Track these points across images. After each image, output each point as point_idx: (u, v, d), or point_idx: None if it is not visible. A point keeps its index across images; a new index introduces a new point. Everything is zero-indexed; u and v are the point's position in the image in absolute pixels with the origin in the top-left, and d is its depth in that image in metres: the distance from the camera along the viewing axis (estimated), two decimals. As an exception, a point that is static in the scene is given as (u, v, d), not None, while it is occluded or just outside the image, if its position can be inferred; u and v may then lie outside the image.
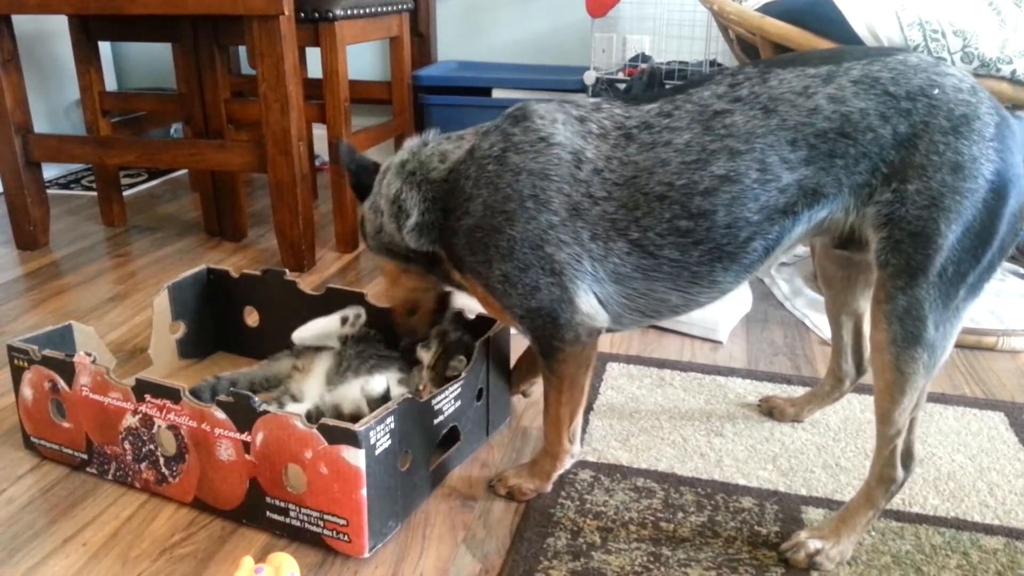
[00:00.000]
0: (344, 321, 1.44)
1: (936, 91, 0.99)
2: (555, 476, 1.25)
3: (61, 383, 1.27)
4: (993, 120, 0.99)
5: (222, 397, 1.14)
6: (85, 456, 1.30)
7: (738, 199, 1.03)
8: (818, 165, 1.01)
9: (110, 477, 1.29)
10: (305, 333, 1.44)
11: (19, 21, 2.24)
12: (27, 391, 1.32)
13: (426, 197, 1.16)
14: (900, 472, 1.08)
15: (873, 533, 1.16)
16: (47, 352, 1.28)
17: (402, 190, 1.18)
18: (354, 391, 1.30)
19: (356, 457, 1.05)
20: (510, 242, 1.08)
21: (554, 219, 1.06)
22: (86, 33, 2.42)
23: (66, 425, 1.30)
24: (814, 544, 1.09)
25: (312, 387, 1.38)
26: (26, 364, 1.30)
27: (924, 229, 0.98)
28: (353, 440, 1.05)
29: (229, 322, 1.67)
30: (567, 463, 1.24)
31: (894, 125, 0.99)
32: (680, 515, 1.20)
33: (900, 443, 1.07)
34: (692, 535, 1.16)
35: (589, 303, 1.11)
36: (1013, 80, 1.39)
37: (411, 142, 1.24)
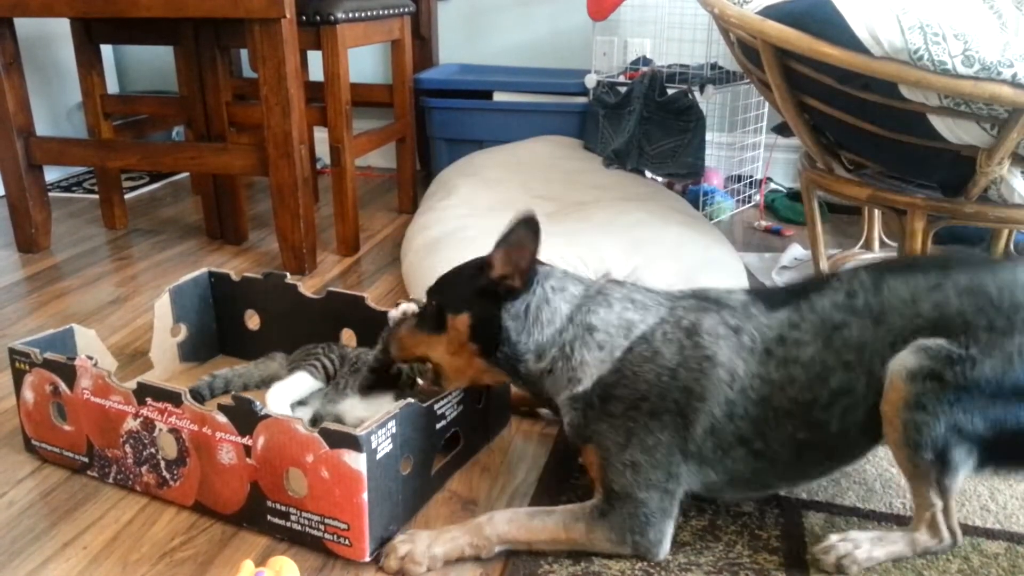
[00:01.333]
0: (315, 371, 1.40)
1: None
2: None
3: (62, 386, 1.28)
4: None
5: (223, 401, 1.14)
6: (86, 459, 1.30)
7: (850, 409, 1.07)
8: None
9: (111, 480, 1.29)
10: (278, 406, 1.32)
11: (21, 24, 2.24)
12: (28, 394, 1.32)
13: (601, 372, 1.13)
14: (948, 537, 1.10)
15: (874, 537, 1.16)
16: (48, 355, 1.28)
17: (585, 359, 1.14)
18: (356, 409, 1.32)
19: (357, 461, 1.05)
20: (655, 443, 1.09)
21: (694, 433, 1.09)
22: (88, 36, 2.42)
23: (67, 428, 1.30)
24: (845, 547, 1.10)
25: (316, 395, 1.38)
26: (27, 367, 1.30)
27: (979, 384, 1.01)
28: (354, 444, 1.05)
29: (230, 325, 1.67)
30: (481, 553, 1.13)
31: (991, 319, 1.03)
32: (680, 519, 1.20)
33: (940, 515, 1.09)
34: (692, 539, 1.16)
35: (671, 529, 1.11)
36: (1014, 83, 1.39)
37: (591, 289, 1.17)
